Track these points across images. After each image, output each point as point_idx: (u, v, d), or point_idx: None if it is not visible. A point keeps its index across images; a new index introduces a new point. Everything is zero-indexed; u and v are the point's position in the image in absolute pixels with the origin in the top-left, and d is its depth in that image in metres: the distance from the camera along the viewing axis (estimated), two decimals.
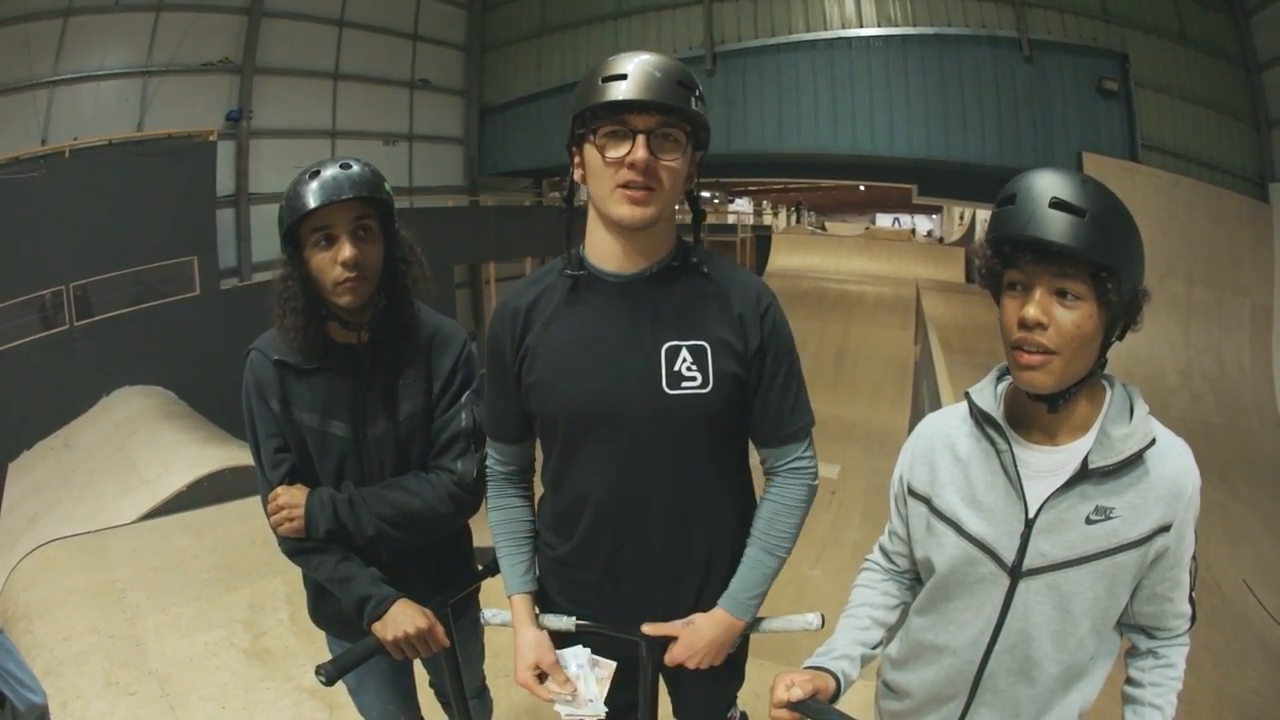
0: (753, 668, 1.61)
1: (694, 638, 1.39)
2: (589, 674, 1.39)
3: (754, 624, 1.44)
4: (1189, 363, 10.48)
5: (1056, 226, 1.01)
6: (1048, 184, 1.03)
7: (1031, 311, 1.04)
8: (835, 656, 1.27)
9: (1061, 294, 1.04)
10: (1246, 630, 6.09)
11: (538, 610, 1.48)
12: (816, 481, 1.44)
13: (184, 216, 11.25)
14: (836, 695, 1.22)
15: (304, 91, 13.81)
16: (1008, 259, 1.07)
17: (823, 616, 1.42)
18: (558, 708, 1.41)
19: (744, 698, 1.65)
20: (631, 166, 1.21)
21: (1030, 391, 1.10)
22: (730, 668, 1.52)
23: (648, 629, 1.39)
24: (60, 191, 9.61)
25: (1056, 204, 1.01)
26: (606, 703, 1.41)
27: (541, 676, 1.42)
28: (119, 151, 10.55)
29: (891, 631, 1.38)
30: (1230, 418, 10.01)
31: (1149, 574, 1.15)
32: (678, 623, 1.41)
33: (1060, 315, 1.04)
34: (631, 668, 1.42)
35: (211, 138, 11.75)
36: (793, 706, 1.16)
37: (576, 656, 1.41)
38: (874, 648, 1.33)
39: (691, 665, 1.40)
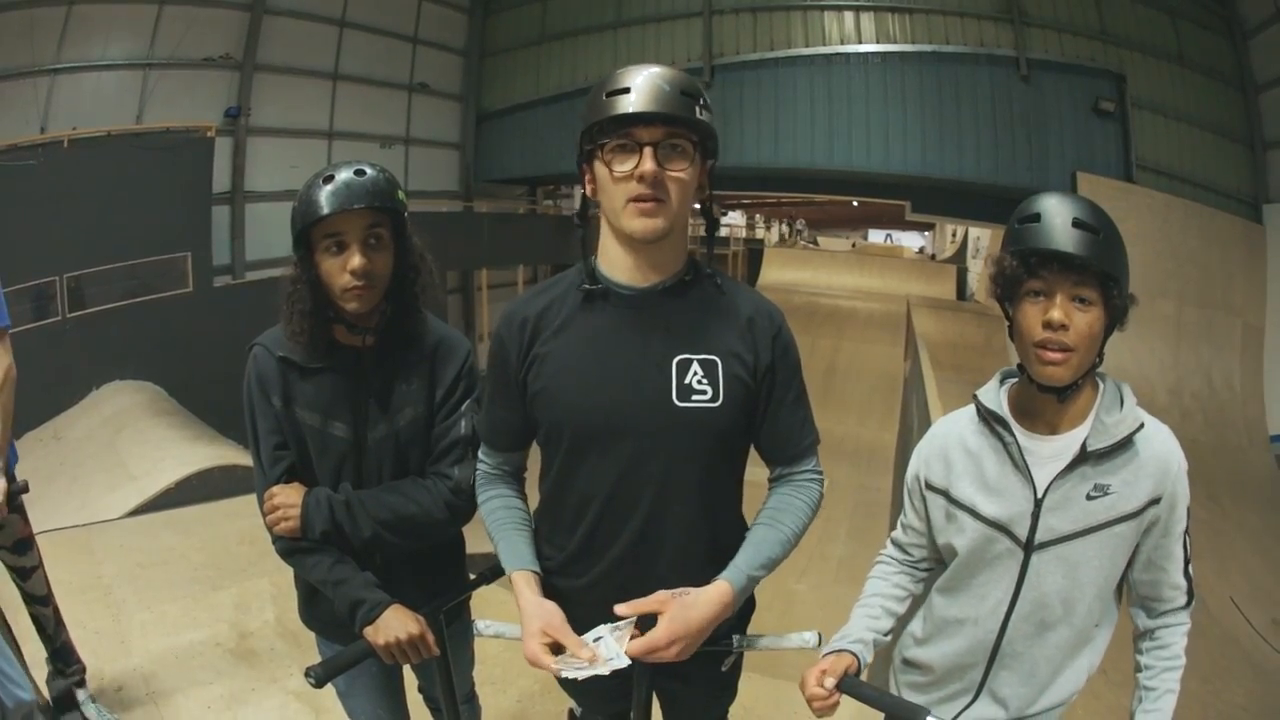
0: (742, 681, 1.61)
1: (688, 615, 1.24)
2: (609, 638, 1.27)
3: (751, 641, 1.43)
4: (1178, 381, 10.55)
5: (1078, 242, 1.20)
6: (1068, 207, 1.22)
7: (1056, 314, 1.21)
8: (851, 640, 1.42)
9: (1077, 300, 1.22)
10: (1233, 647, 6.14)
11: None
12: (823, 492, 1.46)
13: (180, 212, 11.10)
14: (856, 674, 1.36)
15: (303, 91, 13.71)
16: (1032, 269, 1.23)
17: (819, 634, 1.41)
18: (570, 673, 1.23)
19: (734, 710, 1.65)
20: (640, 179, 1.22)
21: (1049, 385, 1.25)
22: (724, 682, 1.52)
23: (620, 608, 1.25)
24: (57, 181, 9.47)
25: (1077, 224, 1.20)
26: (603, 712, 1.38)
27: (554, 650, 1.26)
28: (117, 143, 10.41)
29: (902, 622, 1.53)
30: (1219, 436, 10.09)
31: (1144, 541, 1.32)
32: (663, 593, 1.26)
33: (1078, 318, 1.22)
34: (625, 679, 1.37)
35: (210, 133, 11.63)
36: (835, 687, 1.30)
37: (596, 632, 1.29)
38: (885, 635, 1.48)
39: (672, 653, 1.23)
